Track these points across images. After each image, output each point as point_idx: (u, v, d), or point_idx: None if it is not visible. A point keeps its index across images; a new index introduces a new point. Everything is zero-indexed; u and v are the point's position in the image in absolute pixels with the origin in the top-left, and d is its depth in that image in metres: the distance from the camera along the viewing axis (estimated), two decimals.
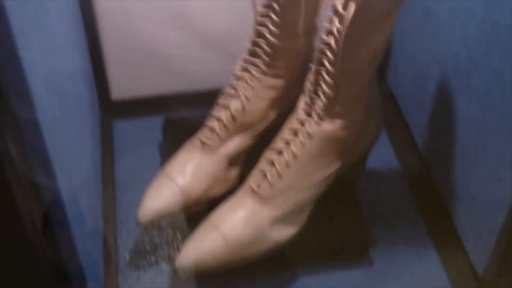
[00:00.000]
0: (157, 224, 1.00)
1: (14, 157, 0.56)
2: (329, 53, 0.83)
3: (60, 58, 0.85)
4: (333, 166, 0.92)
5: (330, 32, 0.82)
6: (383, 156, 1.19)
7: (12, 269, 0.64)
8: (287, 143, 0.91)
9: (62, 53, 0.88)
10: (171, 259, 1.01)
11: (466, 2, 0.94)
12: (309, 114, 0.89)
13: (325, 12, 0.82)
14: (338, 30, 0.80)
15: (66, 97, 0.86)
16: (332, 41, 0.82)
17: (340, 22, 0.79)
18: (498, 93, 0.88)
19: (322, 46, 0.84)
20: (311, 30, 0.94)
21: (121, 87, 1.24)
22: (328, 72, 0.85)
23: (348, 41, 0.80)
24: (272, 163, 0.92)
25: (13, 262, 0.63)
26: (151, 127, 1.22)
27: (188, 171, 0.99)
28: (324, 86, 0.86)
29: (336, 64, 0.83)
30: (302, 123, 0.90)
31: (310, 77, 0.88)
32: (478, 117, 0.95)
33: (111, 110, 1.25)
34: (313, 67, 0.87)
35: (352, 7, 0.77)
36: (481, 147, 0.95)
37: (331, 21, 0.81)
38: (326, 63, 0.84)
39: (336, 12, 0.80)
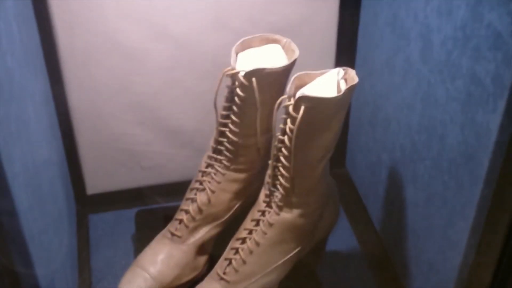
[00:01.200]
0: None
1: None
2: (284, 150, 0.91)
3: (37, 155, 0.89)
4: (294, 251, 0.99)
5: (284, 131, 0.90)
6: (343, 237, 1.25)
7: None
8: (250, 232, 0.98)
9: (39, 150, 0.93)
10: None
11: (409, 99, 1.03)
12: (269, 205, 0.97)
13: (280, 113, 0.90)
14: (290, 130, 0.88)
15: (43, 191, 0.90)
16: (286, 139, 0.90)
17: (292, 122, 0.88)
18: (439, 180, 0.96)
19: (277, 144, 0.92)
20: (269, 127, 1.01)
21: (96, 181, 1.29)
22: (284, 167, 0.93)
23: (299, 139, 0.88)
24: (236, 251, 0.98)
25: None
26: (125, 219, 1.27)
27: (159, 260, 1.04)
28: (281, 179, 0.94)
29: (290, 159, 0.91)
30: (263, 213, 0.97)
31: (269, 171, 0.96)
32: (423, 202, 1.03)
33: (86, 203, 1.30)
34: (270, 163, 0.95)
35: (301, 107, 0.85)
36: (428, 228, 1.02)
37: (284, 122, 0.89)
38: (282, 159, 0.92)
39: (288, 113, 0.88)
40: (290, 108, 0.87)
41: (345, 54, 1.24)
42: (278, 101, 0.89)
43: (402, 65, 1.04)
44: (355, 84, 0.88)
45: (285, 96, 0.88)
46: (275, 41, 0.98)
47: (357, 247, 1.25)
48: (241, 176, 1.05)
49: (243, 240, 0.98)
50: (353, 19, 1.21)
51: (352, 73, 0.89)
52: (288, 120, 0.89)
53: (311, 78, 0.89)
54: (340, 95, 0.86)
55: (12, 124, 0.73)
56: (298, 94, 0.86)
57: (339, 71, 0.90)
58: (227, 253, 1.00)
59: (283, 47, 0.98)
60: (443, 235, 0.98)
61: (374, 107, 1.19)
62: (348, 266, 1.21)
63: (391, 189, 1.16)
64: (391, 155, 1.13)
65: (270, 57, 0.96)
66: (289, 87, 0.88)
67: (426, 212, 1.02)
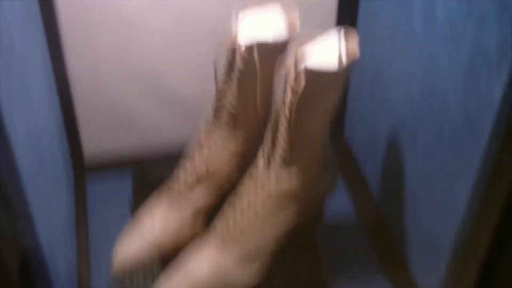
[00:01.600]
0: (129, 275, 1.04)
1: None
2: (283, 120, 0.91)
3: (37, 118, 0.90)
4: (292, 220, 0.99)
5: (284, 103, 0.90)
6: (341, 205, 1.26)
7: None
8: (248, 201, 0.98)
9: (39, 114, 0.93)
10: None
11: (410, 68, 1.03)
12: (267, 174, 0.97)
13: (279, 84, 0.90)
14: (291, 101, 0.88)
15: (43, 154, 0.91)
16: (286, 111, 0.90)
17: (293, 93, 0.87)
18: (439, 148, 0.97)
19: (277, 113, 0.92)
20: (269, 99, 1.01)
21: (93, 146, 1.29)
22: (283, 137, 0.93)
23: (299, 109, 0.88)
24: (235, 214, 0.99)
25: None
26: (122, 184, 1.27)
27: (157, 222, 1.05)
28: (279, 149, 0.94)
29: (290, 130, 0.91)
30: (261, 183, 0.97)
31: (267, 140, 0.96)
32: (423, 168, 1.03)
33: (84, 167, 1.31)
34: (269, 133, 0.95)
35: (302, 80, 0.85)
36: (426, 195, 1.03)
37: (285, 93, 0.89)
38: (281, 129, 0.92)
39: (288, 83, 0.88)
40: (291, 80, 0.87)
41: (345, 23, 1.23)
42: (279, 70, 0.88)
43: (404, 36, 1.04)
44: (356, 57, 0.87)
45: (285, 65, 0.88)
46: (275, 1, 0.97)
47: (354, 215, 1.26)
48: (240, 147, 1.05)
49: (241, 209, 0.98)
50: None
51: (352, 39, 0.89)
52: (289, 92, 0.88)
53: (312, 42, 0.89)
54: (342, 69, 0.86)
55: (13, 87, 0.73)
56: (300, 66, 0.85)
57: (340, 32, 0.89)
58: (225, 219, 1.00)
59: (283, 8, 0.97)
60: (442, 203, 0.98)
61: (374, 77, 1.19)
62: (345, 234, 1.22)
63: (390, 157, 1.17)
64: (391, 124, 1.14)
65: (270, 21, 0.95)
66: (289, 57, 0.87)
67: (425, 179, 1.03)
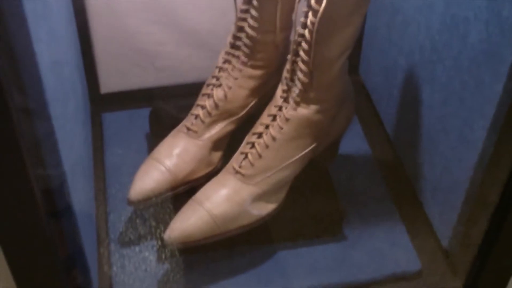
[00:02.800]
0: (146, 203, 1.05)
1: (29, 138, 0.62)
2: (304, 44, 0.90)
3: (60, 52, 0.90)
4: (309, 147, 0.99)
5: (304, 25, 0.89)
6: (355, 142, 1.26)
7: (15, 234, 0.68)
8: (266, 127, 0.98)
9: (62, 47, 0.93)
10: (159, 236, 1.06)
11: None
12: (286, 100, 0.96)
13: (301, 7, 0.89)
14: (311, 23, 0.87)
15: (65, 81, 0.91)
16: (306, 33, 0.89)
17: (314, 15, 0.86)
18: (458, 80, 0.96)
19: (297, 38, 0.91)
20: (288, 24, 1.00)
21: (110, 80, 1.29)
22: (303, 62, 0.92)
23: (320, 32, 0.87)
24: (252, 145, 0.99)
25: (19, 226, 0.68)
26: (138, 118, 1.27)
27: (175, 154, 1.05)
28: (299, 74, 0.93)
29: (310, 54, 0.90)
30: (279, 109, 0.97)
31: (287, 66, 0.95)
32: (441, 103, 1.02)
33: (100, 101, 1.31)
34: (289, 57, 0.94)
35: (324, 1, 0.84)
36: (443, 130, 1.03)
37: (305, 15, 0.88)
38: (301, 53, 0.91)
39: (309, 6, 0.87)
40: (312, 0, 0.86)
41: None
42: None
43: None
44: None
45: None
46: None
47: (368, 151, 1.26)
48: (259, 72, 1.05)
49: (259, 135, 0.98)
50: None
51: None
52: (310, 13, 0.87)
53: None
54: None
55: (38, 11, 0.72)
56: None
57: None
58: (243, 147, 1.00)
59: None
60: (459, 136, 0.98)
61: (391, 9, 1.17)
62: (359, 169, 1.22)
63: (406, 92, 1.16)
64: (408, 57, 1.12)
65: None
66: None
67: (442, 113, 1.02)
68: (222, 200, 0.98)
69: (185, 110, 1.11)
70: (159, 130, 1.16)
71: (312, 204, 1.08)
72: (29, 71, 0.63)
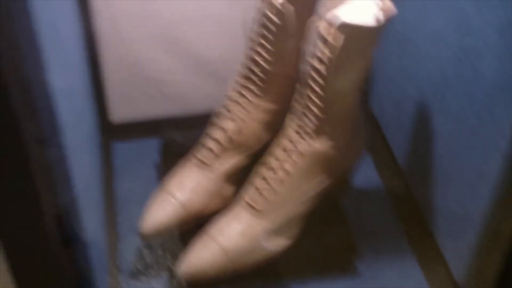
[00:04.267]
0: (158, 237, 1.05)
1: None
2: (319, 78, 0.90)
3: (71, 81, 0.90)
4: (322, 182, 0.99)
5: (319, 59, 0.88)
6: (366, 175, 1.25)
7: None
8: (279, 161, 0.97)
9: (73, 76, 0.93)
10: (170, 270, 1.06)
11: (440, 29, 1.01)
12: (299, 134, 0.96)
13: (311, 38, 0.89)
14: (326, 56, 0.87)
15: (76, 108, 0.91)
16: (322, 68, 0.88)
17: (330, 50, 0.86)
18: (471, 112, 0.95)
19: (311, 71, 0.91)
20: (300, 55, 0.99)
21: (119, 109, 1.29)
22: (318, 96, 0.91)
23: (336, 66, 0.87)
24: (265, 179, 0.98)
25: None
26: (148, 147, 1.27)
27: (187, 187, 1.04)
28: (313, 107, 0.93)
29: (326, 88, 0.89)
30: (293, 142, 0.96)
31: (298, 98, 0.95)
32: (453, 135, 1.02)
33: (109, 131, 1.30)
34: (301, 89, 0.94)
35: (341, 37, 0.84)
36: (456, 161, 1.02)
37: (319, 48, 0.87)
38: (315, 87, 0.91)
39: (325, 40, 0.86)
40: (328, 35, 0.85)
41: None
42: (310, 24, 0.87)
43: (443, 7, 1.02)
44: (394, 13, 0.86)
45: (316, 17, 0.86)
46: None
47: (379, 183, 1.25)
48: (272, 106, 1.04)
49: (273, 169, 0.98)
50: None
51: None
52: (325, 48, 0.87)
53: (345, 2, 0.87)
54: (381, 25, 0.85)
55: (53, 38, 0.73)
56: (331, 18, 0.84)
57: None
58: (256, 180, 0.99)
59: None
60: (473, 168, 0.97)
61: (403, 39, 1.17)
62: (370, 200, 1.21)
63: (418, 123, 1.15)
64: (419, 88, 1.12)
65: None
66: (322, 8, 0.86)
67: (456, 145, 1.01)
68: (236, 235, 0.97)
69: (195, 139, 1.10)
70: (169, 160, 1.16)
71: (323, 236, 1.08)
72: (42, 101, 0.63)
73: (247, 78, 1.03)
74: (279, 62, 0.99)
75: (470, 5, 0.91)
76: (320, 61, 0.88)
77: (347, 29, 0.83)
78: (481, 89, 0.92)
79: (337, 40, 0.84)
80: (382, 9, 0.87)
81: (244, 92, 1.04)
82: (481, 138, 0.94)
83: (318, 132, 0.94)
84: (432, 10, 1.03)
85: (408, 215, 1.18)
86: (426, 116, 1.10)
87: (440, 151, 1.07)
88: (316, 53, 0.88)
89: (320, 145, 0.95)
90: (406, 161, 1.23)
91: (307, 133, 0.95)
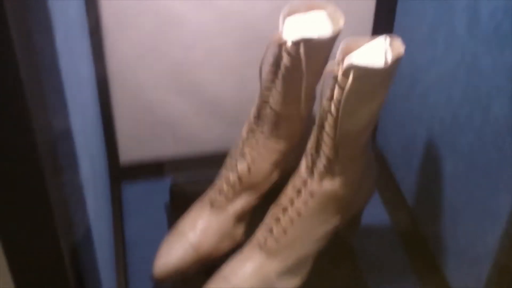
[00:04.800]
0: (170, 279, 1.04)
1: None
2: (329, 118, 0.91)
3: (86, 115, 0.90)
4: (333, 222, 0.99)
5: (330, 100, 0.90)
6: (375, 214, 1.25)
7: None
8: (291, 201, 0.98)
9: (86, 111, 0.93)
10: None
11: (450, 69, 1.03)
12: (311, 173, 0.96)
13: (327, 81, 0.90)
14: (338, 98, 0.88)
15: (91, 149, 0.91)
16: (332, 108, 0.89)
17: (340, 90, 0.87)
18: (482, 152, 0.96)
19: (323, 111, 0.92)
20: (312, 96, 1.02)
21: (130, 150, 1.29)
22: (328, 135, 0.92)
23: (346, 107, 0.88)
24: (277, 219, 0.98)
25: None
26: (158, 189, 1.27)
27: (199, 228, 1.05)
28: (325, 148, 0.93)
29: (336, 128, 0.90)
30: (304, 182, 0.97)
31: (312, 139, 0.96)
32: (463, 174, 1.02)
33: (120, 171, 1.30)
34: (314, 130, 0.95)
35: (349, 79, 0.85)
36: (466, 201, 1.02)
37: (331, 89, 0.89)
38: (327, 127, 0.92)
39: (336, 81, 0.87)
40: (338, 76, 0.87)
41: (382, 23, 1.23)
42: (327, 68, 0.88)
43: (446, 38, 1.03)
44: (402, 55, 0.87)
45: (333, 61, 0.88)
46: (320, 7, 0.97)
47: (389, 222, 1.25)
48: (282, 145, 1.05)
49: (285, 209, 0.98)
50: None
51: (397, 42, 0.89)
52: (336, 88, 0.88)
53: (359, 44, 0.89)
54: (388, 66, 0.86)
55: (73, 81, 0.74)
56: (347, 62, 0.85)
57: (386, 38, 0.89)
58: (268, 220, 1.00)
59: (328, 14, 0.97)
60: (484, 209, 0.97)
61: (411, 80, 1.18)
62: (380, 240, 1.21)
63: (427, 163, 1.16)
64: (429, 128, 1.13)
65: (316, 24, 0.96)
66: (338, 53, 0.87)
67: (466, 185, 1.02)
68: (248, 276, 0.97)
69: (207, 181, 1.11)
70: (180, 202, 1.16)
71: (333, 276, 1.07)
72: (62, 140, 0.64)
73: (258, 119, 1.04)
74: (289, 102, 1.00)
75: (481, 50, 0.93)
76: (331, 100, 0.89)
77: (356, 70, 0.84)
78: (491, 130, 0.92)
79: (346, 81, 0.85)
80: (391, 50, 0.89)
81: (255, 132, 1.05)
82: (491, 178, 0.94)
83: (329, 171, 0.95)
84: (443, 54, 1.05)
85: (416, 251, 1.18)
86: (435, 156, 1.11)
87: (449, 189, 1.07)
88: (329, 93, 0.90)
89: (330, 184, 0.95)
90: (415, 199, 1.23)
91: (318, 173, 0.95)
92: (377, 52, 0.88)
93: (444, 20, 1.03)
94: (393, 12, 1.23)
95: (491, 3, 0.89)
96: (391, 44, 0.90)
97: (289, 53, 0.94)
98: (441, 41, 1.05)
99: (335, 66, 0.87)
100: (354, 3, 1.21)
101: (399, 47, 0.88)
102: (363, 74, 0.85)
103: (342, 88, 0.86)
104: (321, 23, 0.96)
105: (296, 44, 0.92)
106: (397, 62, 0.87)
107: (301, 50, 0.92)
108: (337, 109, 0.88)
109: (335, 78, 0.87)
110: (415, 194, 1.23)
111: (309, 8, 0.97)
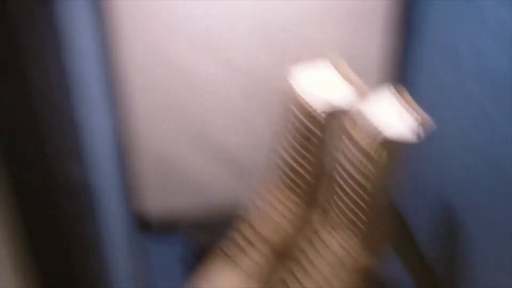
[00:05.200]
0: None
1: None
2: (362, 192, 0.89)
3: (109, 177, 0.92)
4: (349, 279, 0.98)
5: (363, 174, 0.87)
6: (392, 270, 1.22)
7: None
8: (306, 255, 0.98)
9: (106, 169, 0.96)
10: None
11: (466, 132, 1.03)
12: (345, 249, 0.95)
13: (350, 150, 0.88)
14: (373, 173, 0.86)
15: (114, 207, 0.93)
16: (364, 182, 0.88)
17: (375, 166, 0.86)
18: (499, 212, 0.95)
19: (352, 183, 0.89)
20: (328, 162, 1.00)
21: (153, 207, 1.29)
22: (360, 208, 0.91)
23: (379, 179, 0.87)
24: (293, 274, 0.98)
25: None
26: (175, 244, 1.27)
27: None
28: (358, 222, 0.92)
29: (371, 202, 0.89)
30: (340, 258, 0.95)
31: (336, 211, 0.94)
32: (482, 233, 1.02)
33: (144, 228, 1.31)
34: (338, 201, 0.93)
35: (384, 153, 0.84)
36: (484, 259, 1.02)
37: (362, 163, 0.87)
38: (359, 201, 0.90)
39: (369, 157, 0.86)
40: (371, 150, 0.85)
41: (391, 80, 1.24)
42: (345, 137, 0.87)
43: (461, 102, 1.04)
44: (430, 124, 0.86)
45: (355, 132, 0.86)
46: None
47: (407, 279, 1.24)
48: (302, 207, 1.04)
49: (306, 272, 0.97)
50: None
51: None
52: (369, 163, 0.86)
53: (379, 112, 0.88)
54: (420, 139, 0.85)
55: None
56: (378, 136, 0.84)
57: (389, 88, 0.89)
58: (285, 276, 1.00)
59: (330, 61, 0.96)
60: (497, 260, 0.97)
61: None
62: None
63: (445, 223, 1.15)
64: (443, 187, 1.13)
65: (325, 77, 0.94)
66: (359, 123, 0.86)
67: (484, 242, 1.02)
68: None
69: (223, 235, 1.10)
70: (196, 256, 1.17)
71: None
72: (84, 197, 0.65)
73: (283, 182, 1.03)
74: (307, 169, 1.00)
75: (493, 110, 0.93)
76: (361, 174, 0.87)
77: (390, 145, 0.83)
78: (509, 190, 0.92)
79: (382, 156, 0.84)
80: (419, 121, 0.87)
81: (277, 193, 1.04)
82: (505, 230, 0.94)
83: (366, 246, 0.94)
84: (457, 112, 1.06)
85: None
86: (452, 216, 1.11)
87: (469, 249, 1.07)
88: (358, 166, 0.88)
89: (367, 258, 0.95)
90: (434, 257, 1.22)
91: (355, 248, 0.94)
92: (403, 122, 0.86)
93: (459, 85, 1.04)
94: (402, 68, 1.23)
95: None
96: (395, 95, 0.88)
97: (320, 123, 0.92)
98: (458, 106, 1.05)
99: (360, 136, 0.85)
100: (361, 54, 1.21)
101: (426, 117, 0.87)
102: (397, 148, 0.84)
103: (374, 161, 0.85)
104: (329, 74, 0.95)
105: (330, 115, 0.90)
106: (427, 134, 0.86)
107: (333, 120, 0.90)
108: (372, 183, 0.86)
109: (365, 150, 0.85)
110: (432, 247, 1.22)
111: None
